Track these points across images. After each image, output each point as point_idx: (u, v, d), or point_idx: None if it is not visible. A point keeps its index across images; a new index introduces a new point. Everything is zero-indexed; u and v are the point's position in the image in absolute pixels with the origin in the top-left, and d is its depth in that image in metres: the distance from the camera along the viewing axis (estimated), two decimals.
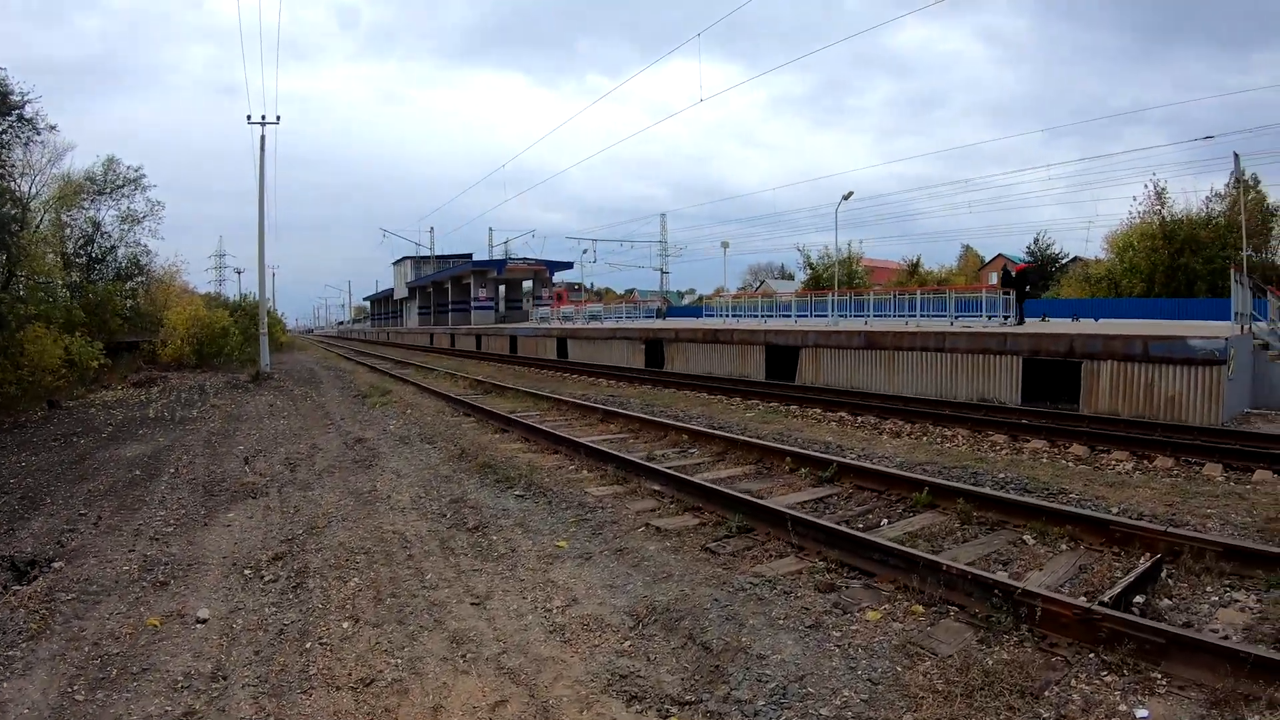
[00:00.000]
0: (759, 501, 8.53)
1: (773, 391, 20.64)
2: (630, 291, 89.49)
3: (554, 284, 70.36)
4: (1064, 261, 70.19)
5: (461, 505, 9.33)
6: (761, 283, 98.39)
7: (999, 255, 78.86)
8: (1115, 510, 8.58)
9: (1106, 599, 5.64)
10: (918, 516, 8.54)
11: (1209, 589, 6.38)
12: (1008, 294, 25.61)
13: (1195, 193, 78.81)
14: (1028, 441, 12.79)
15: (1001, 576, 6.33)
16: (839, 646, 5.31)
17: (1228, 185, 46.57)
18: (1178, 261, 45.52)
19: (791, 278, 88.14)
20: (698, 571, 6.85)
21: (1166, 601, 6.17)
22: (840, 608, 6.02)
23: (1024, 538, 7.71)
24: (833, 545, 7.19)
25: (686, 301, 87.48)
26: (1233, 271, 18.05)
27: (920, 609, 5.98)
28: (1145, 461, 11.31)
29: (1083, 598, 6.00)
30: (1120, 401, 15.32)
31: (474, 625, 5.79)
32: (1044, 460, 11.63)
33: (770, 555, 7.36)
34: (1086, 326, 23.17)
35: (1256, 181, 47.83)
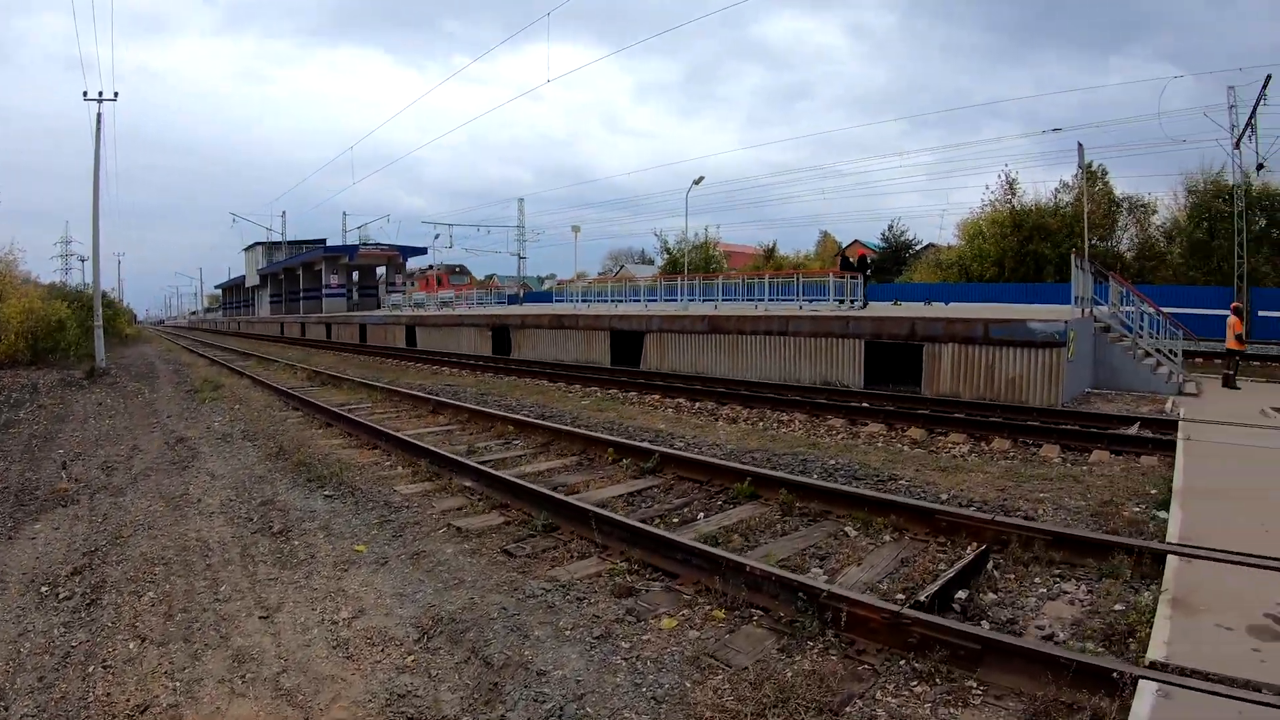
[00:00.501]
0: (563, 498, 7.93)
1: (615, 378, 20.29)
2: (490, 277, 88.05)
3: (430, 269, 68.42)
4: (918, 248, 72.13)
5: (270, 508, 8.74)
6: (621, 267, 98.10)
7: (855, 241, 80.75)
8: (945, 496, 8.32)
9: (923, 598, 5.23)
10: (737, 509, 8.10)
11: (1037, 580, 6.06)
12: (855, 278, 25.90)
13: (1045, 183, 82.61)
14: (865, 425, 12.62)
15: (810, 576, 5.90)
16: (626, 660, 4.90)
17: (1075, 176, 49.01)
18: (1027, 248, 47.43)
19: (651, 262, 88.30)
20: (490, 577, 6.37)
21: (991, 596, 5.80)
22: (634, 615, 5.54)
23: (846, 529, 7.30)
24: (635, 544, 6.69)
25: (546, 286, 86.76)
26: (1073, 258, 18.55)
27: (721, 614, 5.52)
28: (982, 444, 11.21)
29: (900, 595, 5.67)
30: (961, 384, 15.42)
31: (258, 642, 5.44)
32: (879, 445, 11.44)
33: (572, 556, 6.85)
34: (933, 310, 23.48)
35: (1105, 173, 50.17)
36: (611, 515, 7.21)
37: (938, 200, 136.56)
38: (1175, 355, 18.51)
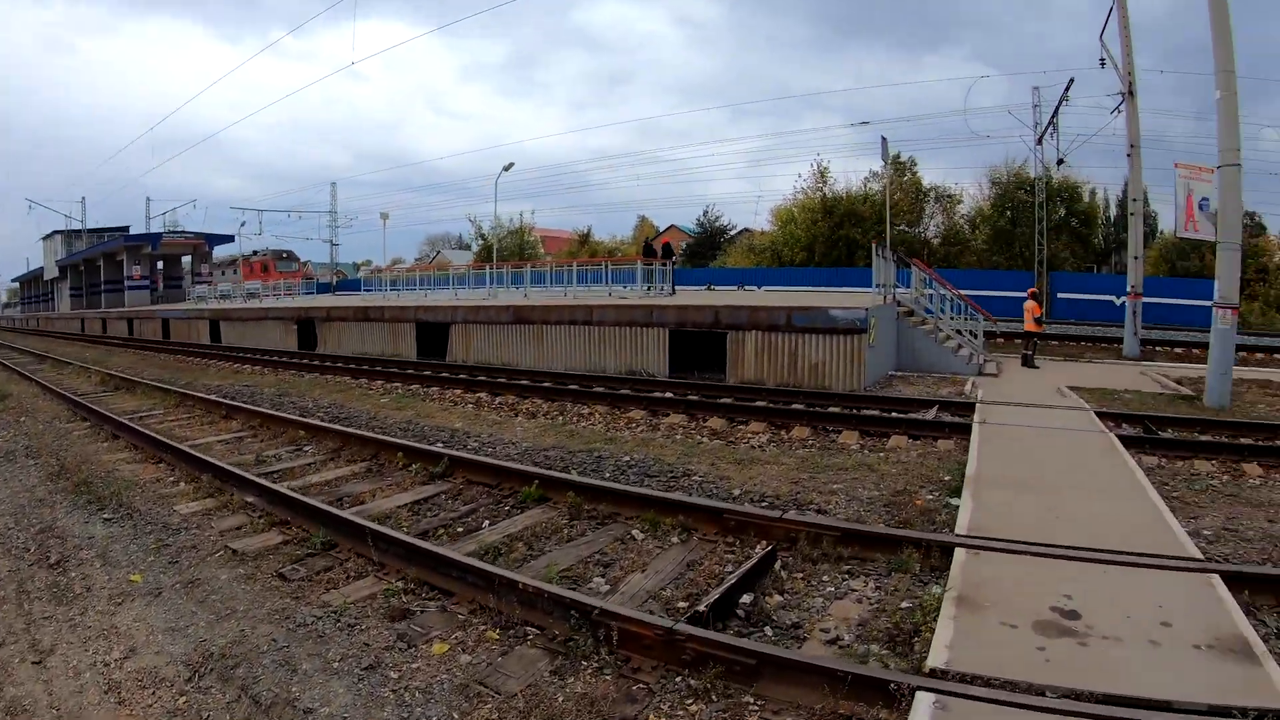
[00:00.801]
0: (340, 513, 7.37)
1: (420, 373, 19.62)
2: (305, 264, 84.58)
3: (255, 255, 64.64)
4: (733, 233, 73.53)
5: (49, 535, 8.00)
6: (437, 253, 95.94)
7: (672, 226, 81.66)
8: (738, 492, 8.19)
9: (702, 608, 4.99)
10: (524, 514, 7.74)
11: (826, 578, 5.92)
12: (664, 264, 26.02)
13: (858, 172, 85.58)
14: (666, 416, 12.47)
15: (588, 590, 5.72)
16: (394, 692, 4.62)
17: (884, 166, 51.46)
18: (838, 233, 49.09)
19: (469, 248, 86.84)
20: (263, 605, 5.93)
21: (778, 598, 5.62)
22: (406, 640, 5.17)
23: (633, 532, 7.04)
24: (412, 561, 6.25)
25: (362, 274, 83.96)
26: (874, 246, 19.19)
27: (495, 635, 5.18)
28: (782, 433, 11.23)
29: (683, 602, 5.45)
30: (766, 370, 15.57)
31: (31, 690, 5.03)
32: (678, 437, 11.27)
33: (348, 577, 6.36)
34: (736, 297, 23.67)
35: (914, 164, 53.37)
36: (387, 531, 6.73)
37: (756, 187, 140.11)
38: (976, 337, 19.31)
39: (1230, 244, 15.21)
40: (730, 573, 5.78)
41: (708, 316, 16.54)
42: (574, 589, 5.61)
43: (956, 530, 6.42)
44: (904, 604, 5.34)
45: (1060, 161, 38.56)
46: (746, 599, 5.40)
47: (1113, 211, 52.46)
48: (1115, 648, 4.43)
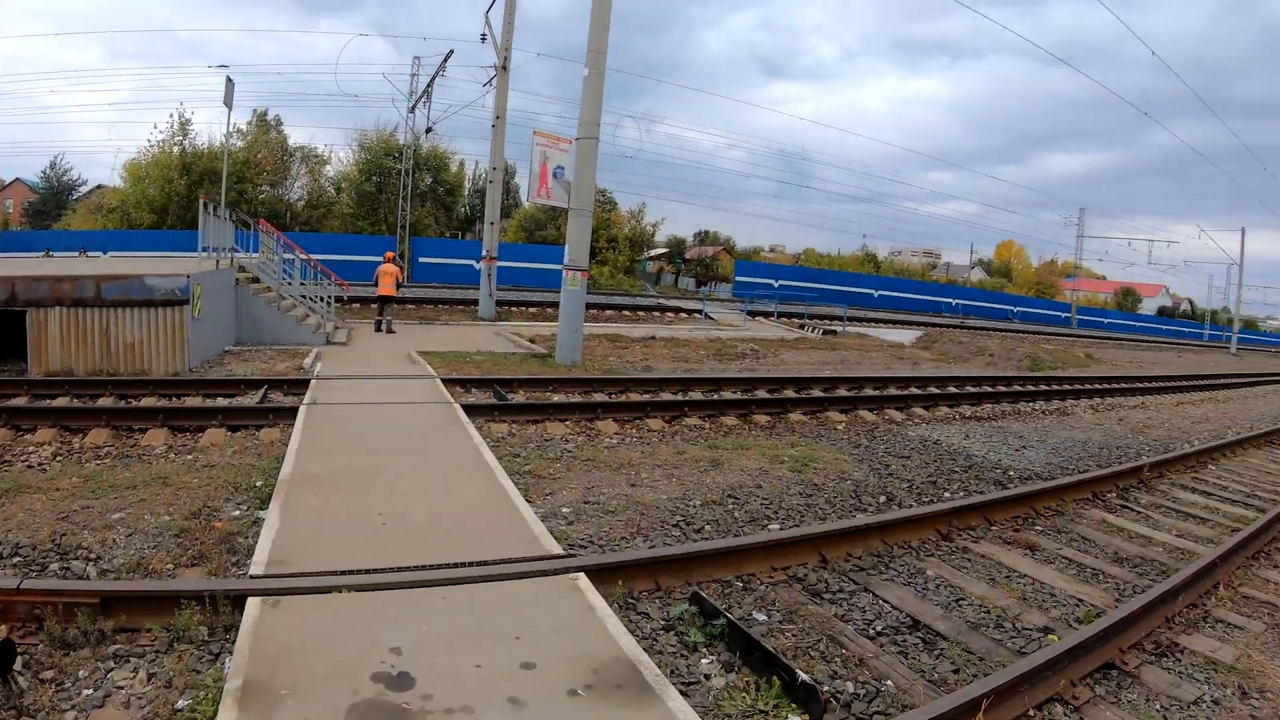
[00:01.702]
0: None
1: None
2: None
3: None
4: (84, 189, 64.95)
5: None
6: None
7: (17, 179, 70.86)
8: None
9: None
10: None
11: (84, 674, 4.11)
12: None
13: (219, 124, 79.92)
14: None
15: None
16: None
17: (249, 121, 49.94)
18: (196, 193, 44.65)
19: None
20: None
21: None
22: None
23: None
24: None
25: None
26: (202, 202, 16.40)
27: None
28: (76, 438, 8.71)
29: None
30: (77, 356, 12.55)
31: None
32: None
33: None
34: (56, 265, 19.56)
35: (280, 122, 51.28)
36: None
37: (121, 138, 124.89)
38: (327, 303, 18.15)
39: (583, 211, 15.82)
40: None
41: (2, 292, 12.73)
42: None
43: (254, 565, 5.01)
44: (181, 702, 3.85)
45: (429, 130, 40.60)
46: None
47: (480, 182, 55.18)
48: None
